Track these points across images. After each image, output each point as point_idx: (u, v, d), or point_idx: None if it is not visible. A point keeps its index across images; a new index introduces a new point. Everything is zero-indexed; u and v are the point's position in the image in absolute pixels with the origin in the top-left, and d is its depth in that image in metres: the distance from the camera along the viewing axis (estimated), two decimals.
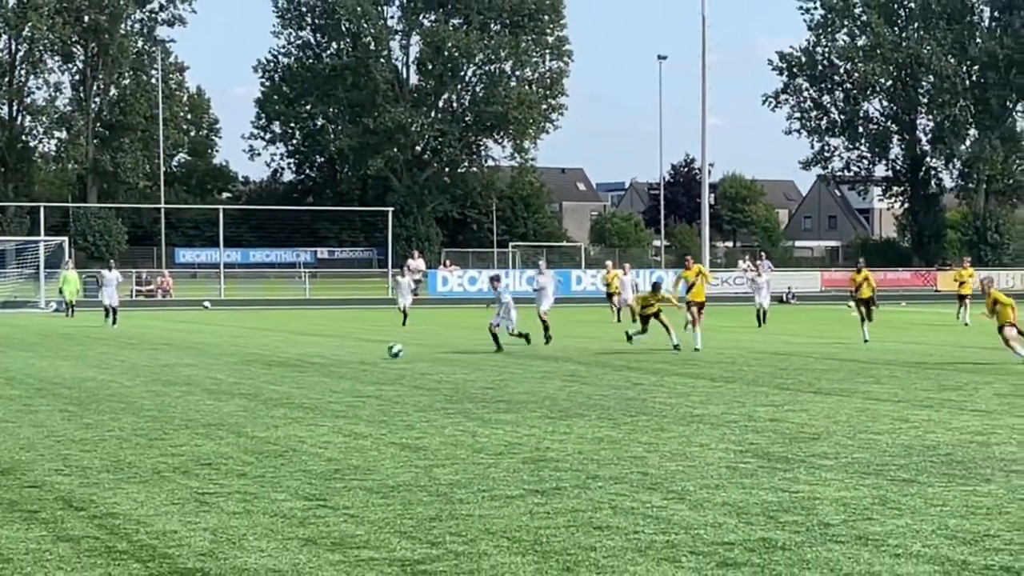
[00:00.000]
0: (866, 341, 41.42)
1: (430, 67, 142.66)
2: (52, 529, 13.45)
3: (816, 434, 20.64)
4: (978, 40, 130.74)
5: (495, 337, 38.42)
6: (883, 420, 22.40)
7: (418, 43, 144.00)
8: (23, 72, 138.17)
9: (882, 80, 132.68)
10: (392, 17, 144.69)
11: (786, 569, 11.70)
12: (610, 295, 61.16)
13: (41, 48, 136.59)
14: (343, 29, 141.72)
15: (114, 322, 53.55)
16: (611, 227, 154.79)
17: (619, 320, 56.63)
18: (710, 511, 14.38)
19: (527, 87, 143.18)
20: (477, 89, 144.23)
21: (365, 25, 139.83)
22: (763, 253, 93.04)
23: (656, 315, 38.09)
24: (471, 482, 16.21)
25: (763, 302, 54.25)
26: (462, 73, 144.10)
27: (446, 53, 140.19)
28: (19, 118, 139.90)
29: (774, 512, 14.32)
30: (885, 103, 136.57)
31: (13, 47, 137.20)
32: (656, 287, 39.53)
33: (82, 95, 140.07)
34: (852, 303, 47.61)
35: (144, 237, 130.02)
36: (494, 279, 42.82)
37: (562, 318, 56.72)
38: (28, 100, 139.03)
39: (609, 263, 69.44)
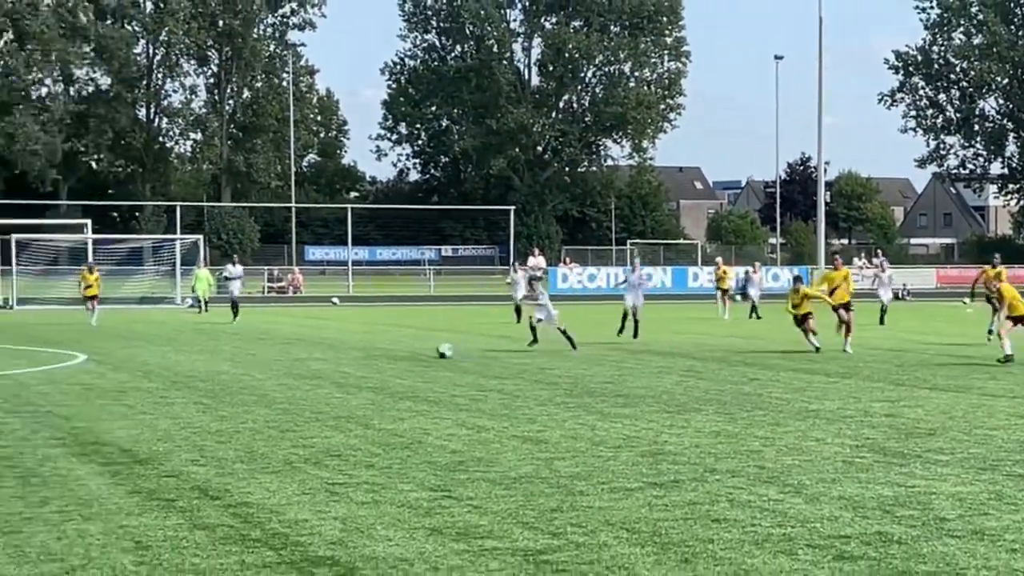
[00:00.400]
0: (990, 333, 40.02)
1: (551, 68, 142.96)
2: (189, 517, 13.61)
3: (932, 430, 20.47)
4: None
5: (534, 330, 37.38)
6: (999, 416, 22.18)
7: (539, 45, 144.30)
8: (160, 75, 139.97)
9: (998, 78, 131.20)
10: (514, 20, 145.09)
11: (902, 563, 11.62)
12: (721, 291, 59.90)
13: (177, 52, 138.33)
14: (467, 32, 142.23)
15: (234, 316, 53.50)
16: (727, 225, 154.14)
17: (753, 317, 55.71)
18: (826, 505, 14.31)
19: (646, 87, 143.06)
20: (597, 90, 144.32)
21: (488, 28, 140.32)
22: (879, 251, 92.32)
23: (807, 316, 36.07)
24: (591, 474, 16.22)
25: (885, 299, 52.90)
26: (582, 74, 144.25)
27: (567, 55, 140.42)
28: (156, 120, 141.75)
29: (890, 507, 14.22)
30: (1001, 101, 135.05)
31: (151, 51, 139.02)
32: (797, 280, 38.28)
33: (216, 98, 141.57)
34: (968, 300, 46.81)
35: (275, 235, 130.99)
36: (533, 280, 41.51)
37: (677, 314, 56.65)
38: (165, 103, 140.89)
39: (719, 259, 68.53)
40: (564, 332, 36.79)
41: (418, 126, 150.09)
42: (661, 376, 29.88)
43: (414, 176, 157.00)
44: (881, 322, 50.20)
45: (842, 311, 36.54)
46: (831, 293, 36.97)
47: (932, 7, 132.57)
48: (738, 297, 79.24)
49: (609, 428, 20.60)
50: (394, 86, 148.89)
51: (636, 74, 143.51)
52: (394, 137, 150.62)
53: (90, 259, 67.66)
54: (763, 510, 14.00)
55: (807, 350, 35.82)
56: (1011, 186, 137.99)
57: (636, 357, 34.70)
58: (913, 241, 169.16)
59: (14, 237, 70.23)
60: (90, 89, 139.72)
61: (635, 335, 39.97)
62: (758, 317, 54.96)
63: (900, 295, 77.71)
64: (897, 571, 11.33)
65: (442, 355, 34.15)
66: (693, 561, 11.69)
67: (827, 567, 11.45)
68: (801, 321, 36.15)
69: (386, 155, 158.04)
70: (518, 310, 51.93)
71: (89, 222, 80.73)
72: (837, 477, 16.09)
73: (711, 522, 13.38)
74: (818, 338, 35.98)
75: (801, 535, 12.76)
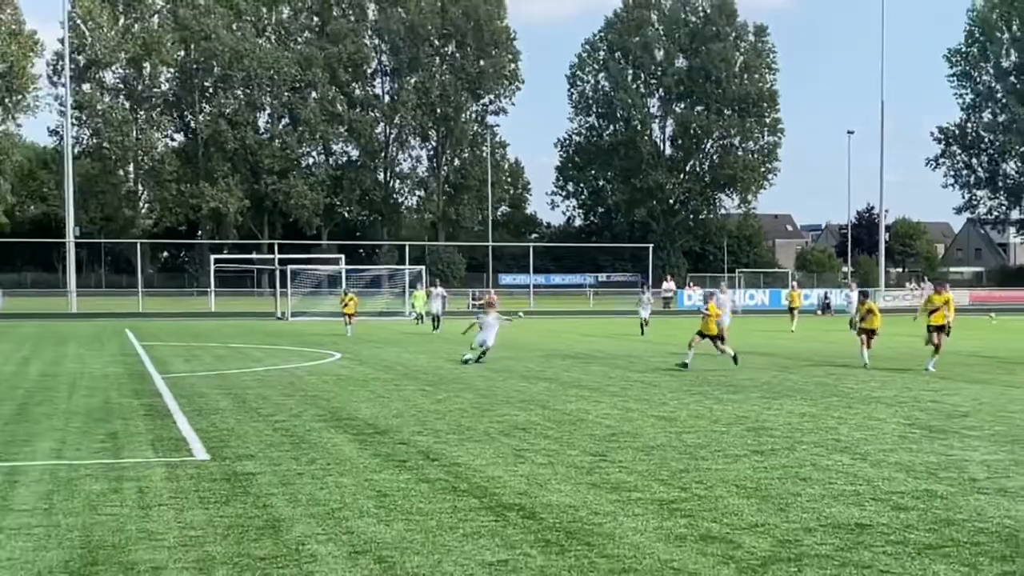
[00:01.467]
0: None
1: (680, 142, 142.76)
2: (415, 474, 13.77)
3: (966, 412, 20.09)
4: None
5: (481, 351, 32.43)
6: (1018, 402, 21.72)
7: (672, 124, 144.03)
8: (394, 149, 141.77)
9: (1017, 146, 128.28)
10: (654, 106, 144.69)
11: (943, 512, 11.45)
12: (791, 309, 55.80)
13: (406, 132, 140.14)
14: (618, 115, 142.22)
15: (436, 327, 52.10)
16: (811, 258, 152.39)
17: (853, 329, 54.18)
18: (886, 468, 14.13)
19: (751, 155, 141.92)
20: (714, 157, 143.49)
21: (634, 112, 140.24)
22: (924, 277, 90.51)
23: (872, 332, 31.23)
24: (709, 444, 16.16)
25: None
26: (703, 146, 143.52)
27: (691, 131, 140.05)
28: (391, 182, 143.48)
29: (934, 470, 14.00)
30: (1019, 163, 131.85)
31: (387, 131, 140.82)
32: (864, 295, 34.38)
33: (435, 165, 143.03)
34: (993, 314, 45.39)
35: (477, 266, 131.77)
36: (487, 304, 36.17)
37: (773, 325, 56.01)
38: (397, 169, 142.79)
39: (794, 284, 66.94)
40: (483, 352, 32.31)
41: (581, 185, 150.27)
42: (761, 371, 29.65)
43: (578, 222, 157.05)
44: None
45: (936, 333, 29.77)
46: (931, 314, 29.93)
47: (967, 93, 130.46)
48: (819, 312, 78.32)
49: (723, 410, 20.49)
50: (564, 155, 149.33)
51: (743, 145, 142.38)
52: (564, 193, 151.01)
53: (344, 284, 68.74)
54: (838, 472, 13.87)
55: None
56: None
57: (744, 357, 34.40)
58: (952, 269, 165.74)
59: (289, 267, 71.48)
60: (344, 159, 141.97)
61: (722, 351, 35.56)
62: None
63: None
64: (940, 519, 11.17)
65: (465, 362, 31.31)
66: (786, 510, 11.62)
67: (887, 515, 11.32)
68: (862, 332, 31.77)
69: (558, 206, 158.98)
70: (643, 324, 49.73)
71: (343, 256, 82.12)
72: (894, 447, 15.87)
73: (799, 481, 13.29)
74: (868, 354, 31.21)
75: (867, 491, 12.62)
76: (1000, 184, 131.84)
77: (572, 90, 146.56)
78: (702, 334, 30.98)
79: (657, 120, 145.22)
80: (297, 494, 12.47)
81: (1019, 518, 11.19)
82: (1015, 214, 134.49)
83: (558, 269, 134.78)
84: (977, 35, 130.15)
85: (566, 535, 10.51)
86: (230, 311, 74.96)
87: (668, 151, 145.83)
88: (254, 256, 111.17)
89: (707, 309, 31.73)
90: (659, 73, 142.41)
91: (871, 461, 14.72)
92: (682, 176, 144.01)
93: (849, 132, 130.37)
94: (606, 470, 14.02)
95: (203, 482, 13.18)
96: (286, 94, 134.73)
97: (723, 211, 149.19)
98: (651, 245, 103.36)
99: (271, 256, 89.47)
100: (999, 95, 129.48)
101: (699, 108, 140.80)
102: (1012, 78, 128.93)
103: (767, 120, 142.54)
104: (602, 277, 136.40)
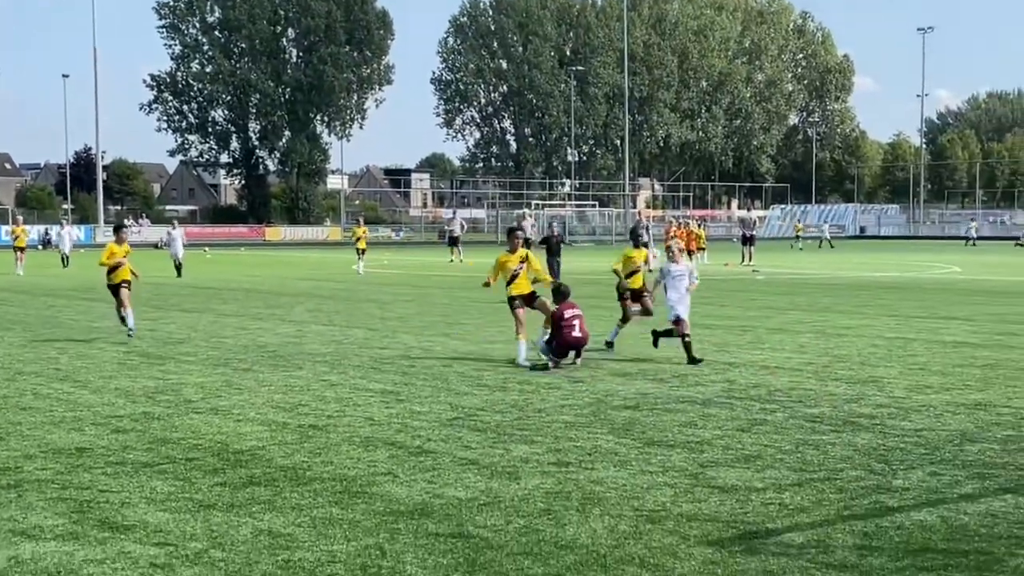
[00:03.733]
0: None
1: None
2: None
3: (182, 339, 20.32)
4: (289, 71, 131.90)
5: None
6: (229, 328, 22.30)
7: None
8: None
9: (224, 96, 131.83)
10: None
11: (160, 432, 11.42)
12: (17, 249, 47.54)
13: None
14: None
15: None
16: (32, 196, 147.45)
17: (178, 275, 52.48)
18: (106, 394, 13.91)
19: None
20: None
21: None
22: (143, 214, 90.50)
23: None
24: None
25: (180, 254, 43.45)
26: None
27: None
28: None
29: (152, 394, 13.99)
30: (227, 112, 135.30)
31: None
32: (119, 230, 31.12)
33: None
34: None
35: None
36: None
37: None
38: None
39: (20, 218, 61.97)
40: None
41: None
42: None
43: None
44: (179, 275, 42.07)
45: (520, 305, 17.52)
46: (512, 280, 17.60)
47: (177, 44, 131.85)
48: (40, 247, 76.17)
49: None
50: None
51: None
52: None
53: None
54: (59, 400, 13.45)
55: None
56: (235, 171, 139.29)
57: None
58: (168, 208, 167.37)
59: None
60: None
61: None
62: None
63: (159, 245, 76.71)
64: (157, 438, 11.12)
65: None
66: (6, 439, 11.06)
67: (107, 438, 11.10)
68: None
69: None
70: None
71: None
72: (114, 374, 15.69)
73: (20, 410, 12.73)
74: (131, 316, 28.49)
75: (87, 416, 12.34)
76: (210, 130, 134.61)
77: None
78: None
79: None
80: None
81: (229, 434, 11.42)
82: (224, 157, 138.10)
83: None
84: None
85: None
86: None
87: None
88: None
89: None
90: None
91: (92, 388, 14.43)
92: None
93: (64, 76, 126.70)
94: None
95: None
96: None
97: None
98: None
99: None
100: (206, 47, 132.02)
101: None
102: (217, 32, 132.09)
103: None
104: None
